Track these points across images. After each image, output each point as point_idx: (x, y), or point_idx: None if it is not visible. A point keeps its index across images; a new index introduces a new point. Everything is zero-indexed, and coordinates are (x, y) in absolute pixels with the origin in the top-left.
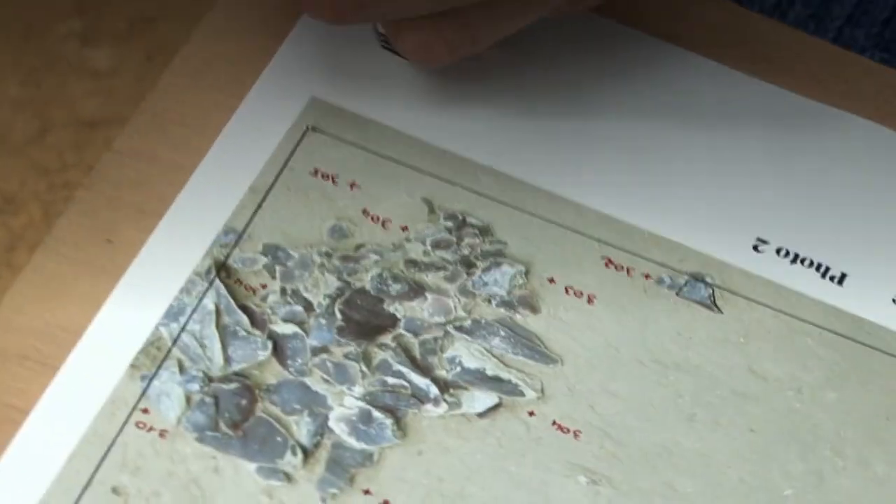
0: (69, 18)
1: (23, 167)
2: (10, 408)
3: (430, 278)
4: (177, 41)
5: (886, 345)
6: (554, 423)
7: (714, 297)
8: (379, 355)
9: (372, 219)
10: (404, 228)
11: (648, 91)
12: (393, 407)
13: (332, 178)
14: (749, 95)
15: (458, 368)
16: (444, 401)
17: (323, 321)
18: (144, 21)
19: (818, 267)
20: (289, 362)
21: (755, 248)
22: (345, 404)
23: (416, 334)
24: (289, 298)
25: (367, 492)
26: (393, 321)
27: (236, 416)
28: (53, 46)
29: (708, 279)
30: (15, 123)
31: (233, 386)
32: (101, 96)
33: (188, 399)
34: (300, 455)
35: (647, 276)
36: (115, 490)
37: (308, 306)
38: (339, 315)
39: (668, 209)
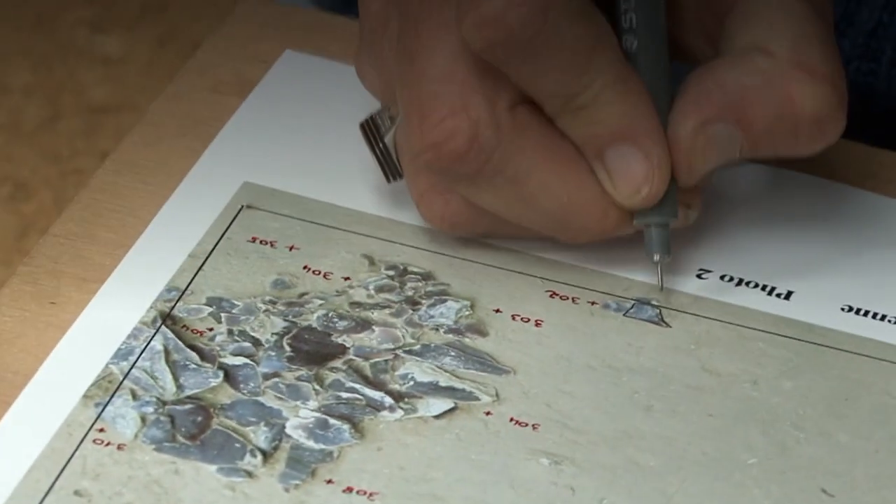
0: (80, 6)
1: (34, 154)
2: None
3: (375, 315)
4: (187, 28)
5: (839, 343)
6: (511, 419)
7: (661, 315)
8: (331, 376)
9: (313, 272)
10: (346, 279)
11: None
12: (349, 415)
13: (271, 244)
14: None
15: (412, 382)
16: (400, 408)
17: (272, 353)
18: (155, 8)
19: (763, 287)
20: (241, 386)
21: (698, 276)
22: (300, 415)
23: (366, 358)
24: (236, 337)
25: (329, 481)
26: (342, 349)
27: (193, 429)
28: (64, 34)
29: (654, 302)
30: (26, 110)
31: (187, 406)
32: (112, 83)
33: (143, 419)
34: (259, 457)
35: (592, 303)
36: (77, 493)
37: (256, 342)
38: (287, 348)
39: (609, 249)
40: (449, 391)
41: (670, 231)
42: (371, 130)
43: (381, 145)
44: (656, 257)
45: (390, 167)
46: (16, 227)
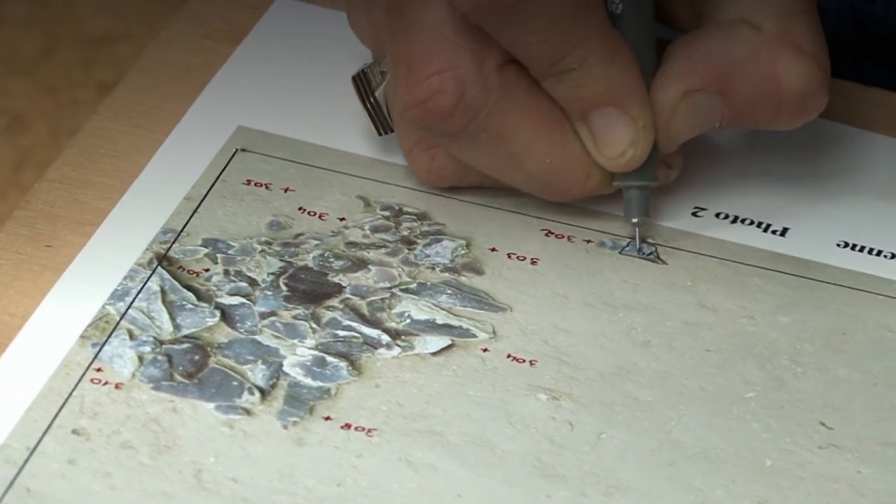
0: None
1: (30, 86)
2: None
3: (371, 254)
4: None
5: (835, 278)
6: (509, 356)
7: (658, 253)
8: (327, 315)
9: (309, 213)
10: (342, 219)
11: None
12: (346, 353)
13: (266, 186)
14: None
15: (408, 320)
16: (397, 345)
17: (269, 292)
18: None
19: (759, 224)
20: (238, 325)
21: (694, 214)
22: (298, 353)
23: (362, 297)
24: (232, 277)
25: (327, 418)
26: (339, 289)
27: (190, 368)
28: None
29: (650, 240)
30: (22, 42)
31: (184, 346)
32: (109, 14)
33: (140, 358)
34: (257, 394)
35: (588, 241)
36: (75, 432)
37: (252, 282)
38: (284, 287)
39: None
40: (446, 328)
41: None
42: (362, 84)
43: (371, 99)
44: (635, 220)
45: (381, 121)
46: (12, 160)
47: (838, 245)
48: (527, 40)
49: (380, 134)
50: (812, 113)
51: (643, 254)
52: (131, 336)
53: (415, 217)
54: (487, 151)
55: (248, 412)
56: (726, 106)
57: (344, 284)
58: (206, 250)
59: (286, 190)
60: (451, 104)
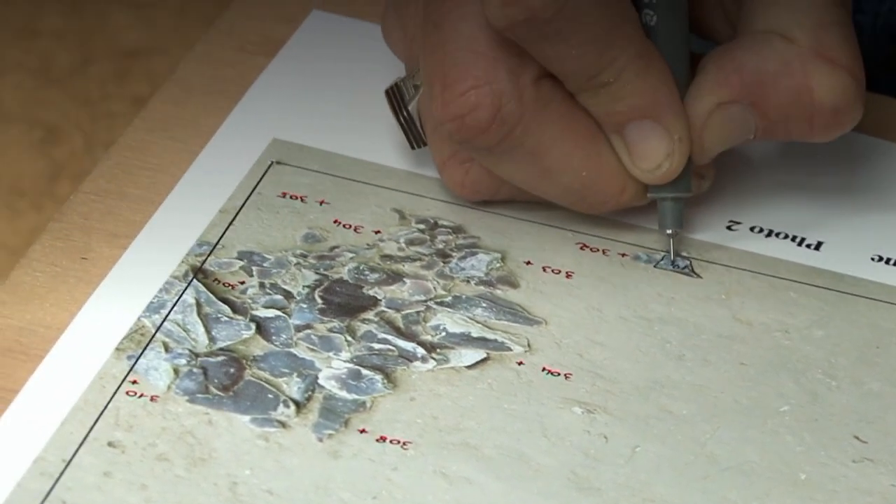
0: None
1: (65, 98)
2: None
3: (406, 268)
4: None
5: (869, 292)
6: (544, 368)
7: (692, 266)
8: (363, 328)
9: (344, 226)
10: (377, 232)
11: None
12: (381, 366)
13: (301, 198)
14: None
15: (444, 333)
16: (432, 358)
17: (304, 305)
18: None
19: (793, 238)
20: (273, 338)
21: (728, 227)
22: (333, 366)
23: (397, 310)
24: (268, 290)
25: (362, 431)
26: (374, 301)
27: (225, 381)
28: None
29: (684, 254)
30: (57, 55)
31: (220, 359)
32: (143, 27)
33: (176, 371)
34: (293, 407)
35: (623, 255)
36: (111, 444)
37: (288, 295)
38: (319, 300)
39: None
40: (481, 342)
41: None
42: (396, 98)
43: (405, 113)
44: (669, 231)
45: (414, 135)
46: (47, 172)
47: (872, 259)
48: (562, 55)
49: (413, 147)
50: (846, 126)
51: (678, 266)
52: (167, 349)
53: (450, 230)
54: (523, 165)
55: (283, 425)
56: (760, 118)
57: (379, 297)
58: (242, 263)
59: (321, 202)
60: (488, 119)
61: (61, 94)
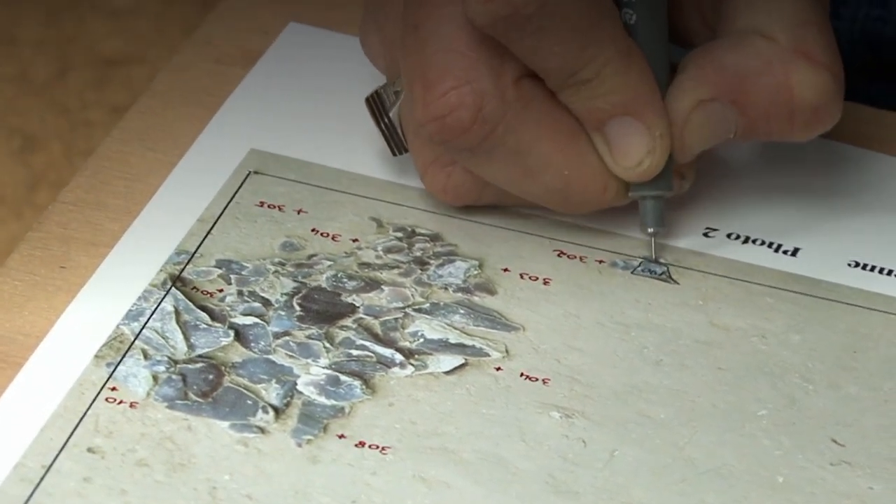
0: None
1: (44, 106)
2: None
3: (384, 275)
4: None
5: (846, 297)
6: (522, 374)
7: (669, 272)
8: (341, 334)
9: (322, 235)
10: (354, 240)
11: None
12: (360, 372)
13: (279, 207)
14: None
15: (421, 339)
16: (410, 364)
17: (282, 313)
18: None
19: (770, 245)
20: (252, 345)
21: (705, 234)
22: (311, 372)
23: (376, 317)
24: (246, 297)
25: (341, 436)
26: (352, 309)
27: (205, 387)
28: None
29: (662, 260)
30: (36, 63)
31: (199, 365)
32: (122, 36)
33: (155, 378)
34: (272, 413)
35: (600, 262)
36: (90, 450)
37: (266, 303)
38: (297, 308)
39: (614, 210)
40: (459, 348)
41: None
42: (376, 105)
43: (386, 120)
44: (650, 229)
45: (395, 141)
46: (26, 180)
47: (849, 265)
48: (544, 52)
49: (394, 154)
50: (826, 123)
51: (655, 273)
52: (146, 356)
53: (427, 238)
54: (505, 165)
55: (262, 430)
56: (740, 116)
57: (357, 304)
58: (220, 271)
59: (299, 212)
60: (469, 119)
61: (40, 102)
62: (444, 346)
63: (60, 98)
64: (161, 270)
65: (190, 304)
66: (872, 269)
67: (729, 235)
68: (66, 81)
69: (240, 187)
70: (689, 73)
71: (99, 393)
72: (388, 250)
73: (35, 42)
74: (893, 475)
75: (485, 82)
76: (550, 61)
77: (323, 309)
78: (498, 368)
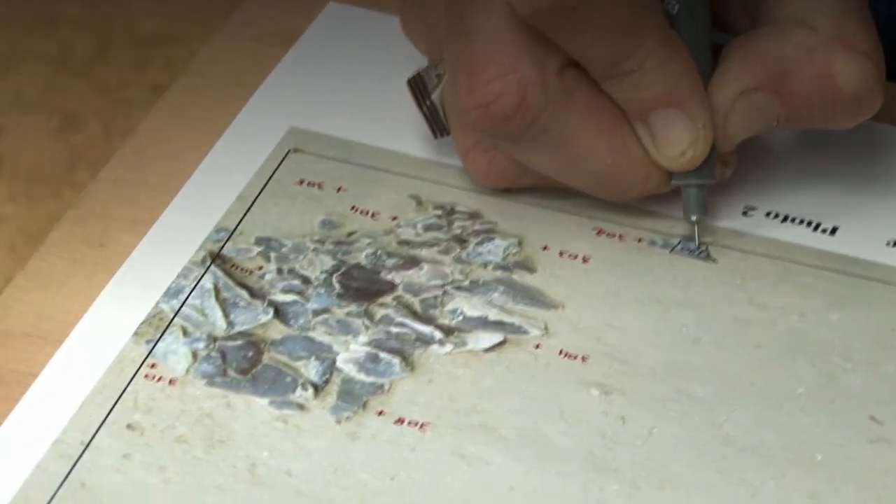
0: None
1: (83, 85)
2: (17, 373)
3: (423, 253)
4: None
5: (885, 276)
6: (561, 352)
7: (708, 251)
8: (380, 312)
9: (361, 213)
10: (394, 218)
11: None
12: (399, 349)
13: (319, 185)
14: None
15: (461, 317)
16: (450, 342)
17: (322, 290)
18: None
19: (809, 223)
20: (291, 322)
21: (744, 213)
22: (351, 350)
23: (415, 294)
24: (286, 275)
25: (380, 413)
26: (391, 286)
27: (244, 364)
28: None
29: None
30: (75, 43)
31: (238, 342)
32: (161, 15)
33: (194, 355)
34: (311, 390)
35: (639, 240)
36: (129, 426)
37: (305, 280)
38: (337, 285)
39: None
40: (498, 325)
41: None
42: (418, 87)
43: (428, 103)
44: (694, 217)
45: (437, 124)
46: (65, 159)
47: (888, 244)
48: (587, 43)
49: (435, 137)
50: (868, 112)
51: (694, 252)
52: (185, 333)
53: (467, 216)
54: (547, 153)
55: (301, 407)
56: (783, 105)
57: (396, 282)
58: (260, 249)
59: (339, 189)
60: (513, 107)
61: (79, 82)
62: (484, 323)
63: (100, 78)
64: (200, 248)
65: (229, 281)
66: None
67: (768, 214)
68: (107, 61)
69: (279, 165)
70: (731, 63)
71: (138, 370)
72: (427, 228)
73: (74, 22)
74: None
75: (529, 71)
76: (594, 52)
77: (362, 286)
78: (537, 346)
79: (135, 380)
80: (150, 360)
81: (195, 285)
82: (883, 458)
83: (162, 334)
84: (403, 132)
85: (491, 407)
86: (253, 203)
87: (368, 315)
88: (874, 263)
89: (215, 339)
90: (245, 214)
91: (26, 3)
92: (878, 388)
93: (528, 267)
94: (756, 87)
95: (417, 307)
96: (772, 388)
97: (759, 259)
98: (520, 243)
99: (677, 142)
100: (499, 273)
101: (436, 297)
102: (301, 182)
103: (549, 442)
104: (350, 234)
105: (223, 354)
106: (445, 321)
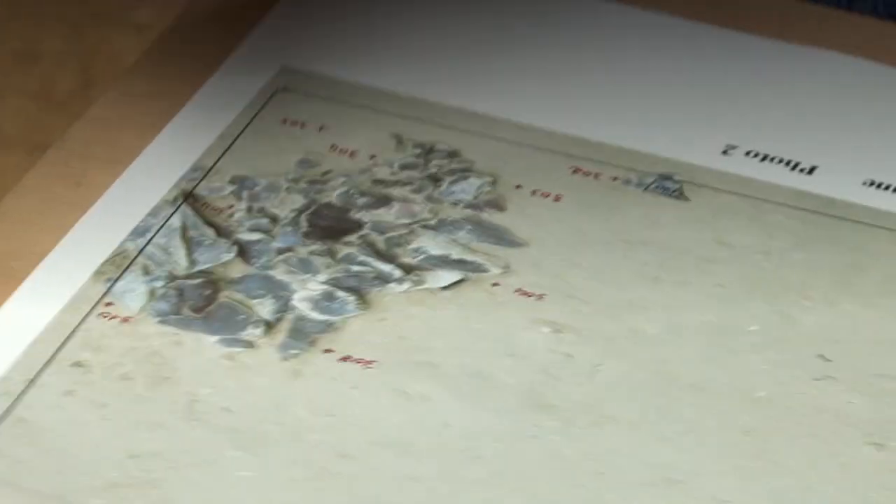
0: None
1: (65, 120)
2: None
3: (396, 191)
4: None
5: (858, 216)
6: (518, 290)
7: (682, 189)
8: (344, 250)
9: (340, 152)
10: (372, 157)
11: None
12: (357, 287)
13: (301, 124)
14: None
15: (423, 256)
16: (408, 280)
17: (289, 228)
18: None
19: (787, 163)
20: (253, 260)
21: (724, 152)
22: (308, 287)
23: (381, 233)
24: (255, 214)
25: (328, 350)
26: (359, 225)
27: (200, 302)
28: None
29: (676, 177)
30: (58, 77)
31: (197, 281)
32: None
33: (152, 293)
34: (262, 327)
35: (614, 179)
36: (77, 364)
37: (274, 218)
38: (304, 224)
39: (638, 124)
40: (459, 264)
41: None
42: None
43: None
44: None
45: None
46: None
47: (864, 184)
48: None
49: None
50: None
51: (668, 188)
52: (146, 271)
53: (445, 154)
54: None
55: (250, 345)
56: None
57: (364, 221)
58: (233, 188)
59: (321, 129)
60: None
61: (61, 117)
62: (445, 262)
63: (82, 113)
64: (174, 187)
65: (198, 220)
66: (888, 188)
67: (748, 153)
68: (89, 96)
69: (265, 105)
70: None
71: (93, 308)
72: (403, 167)
73: (57, 56)
74: (876, 389)
75: None
76: None
77: (330, 225)
78: (495, 284)
79: (88, 318)
80: (106, 299)
81: (163, 224)
82: (825, 394)
83: (122, 273)
84: (393, 70)
85: (439, 344)
86: (233, 142)
87: (331, 254)
88: (849, 203)
89: (175, 278)
90: (223, 153)
91: (7, 38)
92: (833, 327)
93: (498, 205)
94: None
95: (381, 245)
96: (724, 327)
97: (731, 198)
98: (493, 182)
99: None
100: (469, 212)
101: (401, 236)
102: (284, 121)
103: (492, 379)
104: (325, 173)
105: (180, 292)
106: (407, 259)
